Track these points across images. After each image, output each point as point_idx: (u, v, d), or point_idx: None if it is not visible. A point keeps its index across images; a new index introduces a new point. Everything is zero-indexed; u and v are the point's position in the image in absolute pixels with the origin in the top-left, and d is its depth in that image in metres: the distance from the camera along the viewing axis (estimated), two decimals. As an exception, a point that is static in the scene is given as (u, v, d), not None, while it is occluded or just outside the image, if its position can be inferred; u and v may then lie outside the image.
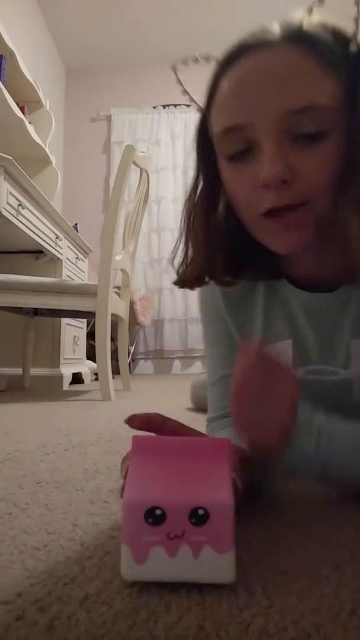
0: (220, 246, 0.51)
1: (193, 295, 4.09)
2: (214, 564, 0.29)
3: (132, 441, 0.35)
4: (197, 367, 4.15)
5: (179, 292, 4.13)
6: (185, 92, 0.58)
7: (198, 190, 0.53)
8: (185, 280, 0.55)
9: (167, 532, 0.29)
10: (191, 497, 0.30)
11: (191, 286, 0.55)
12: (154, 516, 0.29)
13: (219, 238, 0.51)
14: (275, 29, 0.44)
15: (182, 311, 4.12)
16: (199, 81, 0.57)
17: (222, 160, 0.47)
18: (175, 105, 4.34)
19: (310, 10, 0.46)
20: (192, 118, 4.31)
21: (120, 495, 0.35)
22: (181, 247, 0.54)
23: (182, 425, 0.42)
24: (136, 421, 0.37)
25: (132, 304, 3.30)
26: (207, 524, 0.29)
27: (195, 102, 0.52)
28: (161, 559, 0.29)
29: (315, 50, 0.42)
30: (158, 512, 0.29)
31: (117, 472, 0.62)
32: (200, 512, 0.29)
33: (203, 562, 0.29)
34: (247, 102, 0.42)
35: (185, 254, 0.54)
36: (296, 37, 0.43)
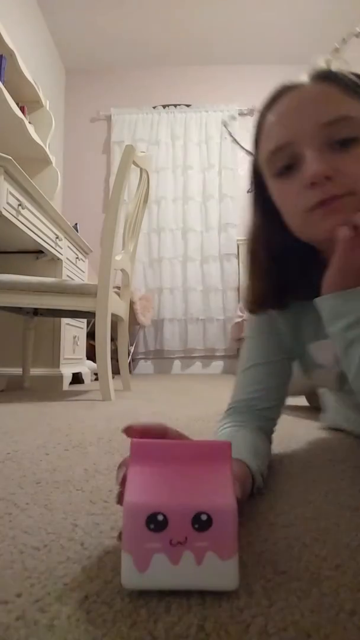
0: (270, 277, 0.60)
1: (193, 296, 4.10)
2: (218, 570, 0.29)
3: (131, 445, 0.34)
4: (197, 367, 4.16)
5: (179, 292, 4.13)
6: (235, 141, 0.69)
7: (254, 225, 0.62)
8: (249, 307, 0.64)
9: (170, 539, 0.28)
10: (194, 502, 0.29)
11: (253, 312, 0.64)
12: (155, 522, 0.29)
13: (270, 269, 0.60)
14: (304, 74, 0.53)
15: (182, 311, 4.12)
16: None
17: (270, 181, 0.54)
18: (175, 105, 4.34)
19: (329, 59, 0.54)
20: (191, 118, 4.32)
21: (117, 502, 0.34)
22: (246, 277, 0.64)
23: (184, 436, 0.42)
24: (134, 432, 0.36)
25: (132, 304, 3.30)
26: (210, 530, 0.29)
27: (245, 149, 0.60)
28: (163, 566, 0.28)
29: (339, 83, 0.50)
30: (160, 518, 0.29)
31: (117, 472, 0.62)
32: (203, 517, 0.29)
33: (206, 569, 0.28)
34: (289, 125, 0.50)
35: (248, 284, 0.63)
36: (322, 76, 0.52)
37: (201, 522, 0.29)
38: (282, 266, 0.59)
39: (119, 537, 0.30)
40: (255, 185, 0.59)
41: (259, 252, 0.60)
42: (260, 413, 0.62)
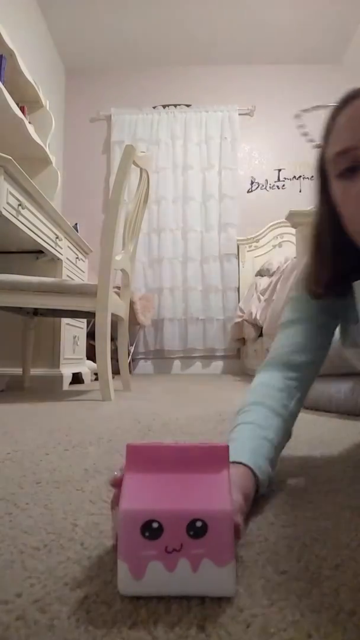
0: (335, 265, 0.61)
1: (193, 296, 4.10)
2: (214, 577, 0.28)
3: (127, 450, 0.33)
4: (197, 367, 4.16)
5: (179, 292, 4.13)
6: (306, 133, 0.72)
7: (319, 214, 0.63)
8: (312, 292, 0.63)
9: (165, 546, 0.28)
10: (188, 508, 0.29)
11: (317, 297, 0.63)
12: (150, 530, 0.28)
13: (335, 258, 0.61)
14: None
15: (182, 311, 4.12)
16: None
17: (333, 181, 0.56)
18: (175, 105, 4.34)
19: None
20: (191, 118, 4.32)
21: (112, 508, 0.34)
22: (309, 264, 0.64)
23: None
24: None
25: (132, 304, 3.30)
26: (205, 537, 0.28)
27: (316, 143, 0.62)
28: (159, 573, 0.28)
29: None
30: (155, 525, 0.28)
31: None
32: (198, 524, 0.28)
33: (202, 576, 0.28)
34: (356, 130, 0.52)
35: (311, 269, 0.63)
36: None
37: (196, 529, 0.28)
38: (345, 255, 0.61)
39: (114, 546, 0.30)
40: (321, 178, 0.61)
41: (324, 240, 0.61)
42: (297, 368, 0.62)
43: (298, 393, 0.61)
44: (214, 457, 0.33)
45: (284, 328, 0.67)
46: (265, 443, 0.51)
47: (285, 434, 0.57)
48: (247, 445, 0.49)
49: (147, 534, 0.28)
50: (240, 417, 0.57)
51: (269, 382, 0.60)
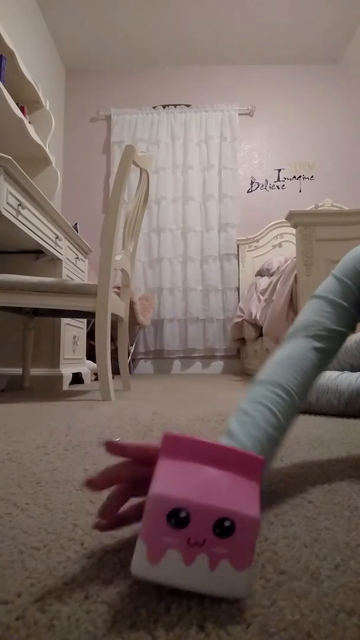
0: None
1: (193, 296, 4.10)
2: (230, 579, 0.28)
3: (162, 438, 0.33)
4: (197, 367, 4.16)
5: (178, 292, 4.13)
6: None
7: None
8: None
9: (188, 538, 0.28)
10: (220, 505, 0.28)
11: None
12: (177, 518, 0.28)
13: None
14: None
15: (182, 311, 4.12)
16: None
17: None
18: (175, 105, 4.34)
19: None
20: (191, 118, 4.32)
21: (86, 485, 0.35)
22: None
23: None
24: (115, 448, 0.35)
25: (132, 304, 3.30)
26: (231, 538, 0.28)
27: None
28: (175, 563, 0.28)
29: None
30: (183, 514, 0.28)
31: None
32: (227, 523, 0.28)
33: (218, 576, 0.28)
34: None
35: None
36: None
37: (223, 528, 0.28)
38: None
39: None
40: None
41: None
42: (326, 335, 0.59)
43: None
44: (247, 465, 0.32)
45: (313, 298, 0.64)
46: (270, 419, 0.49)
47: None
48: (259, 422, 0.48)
49: (172, 521, 0.28)
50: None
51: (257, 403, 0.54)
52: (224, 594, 0.28)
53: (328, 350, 0.59)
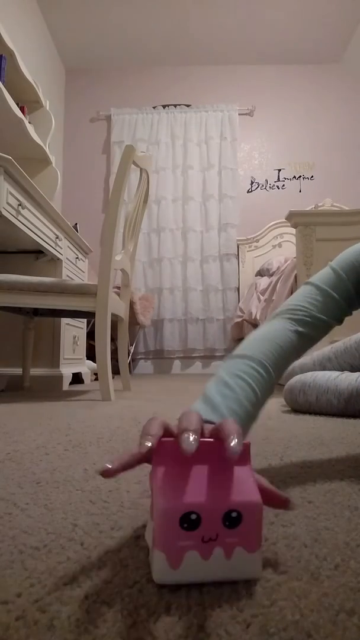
0: None
1: (193, 296, 4.10)
2: (245, 562, 0.30)
3: (156, 446, 0.34)
4: (197, 367, 4.16)
5: (178, 292, 4.13)
6: None
7: None
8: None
9: (202, 536, 0.30)
10: (225, 500, 0.30)
11: None
12: (189, 521, 0.30)
13: None
14: None
15: (182, 311, 4.13)
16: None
17: None
18: (175, 105, 4.34)
19: None
20: (191, 118, 4.32)
21: (101, 473, 0.32)
22: None
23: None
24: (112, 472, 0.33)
25: (132, 304, 3.30)
26: (240, 526, 0.30)
27: None
28: (195, 562, 0.29)
29: None
30: (193, 517, 0.30)
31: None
32: (234, 514, 0.30)
33: (234, 562, 0.30)
34: None
35: None
36: None
37: (231, 519, 0.30)
38: None
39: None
40: None
41: None
42: (309, 322, 0.59)
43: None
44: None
45: (305, 284, 0.64)
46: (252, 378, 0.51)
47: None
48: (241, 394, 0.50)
49: (185, 525, 0.30)
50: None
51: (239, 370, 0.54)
52: (242, 576, 0.30)
53: (309, 337, 0.60)
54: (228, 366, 0.53)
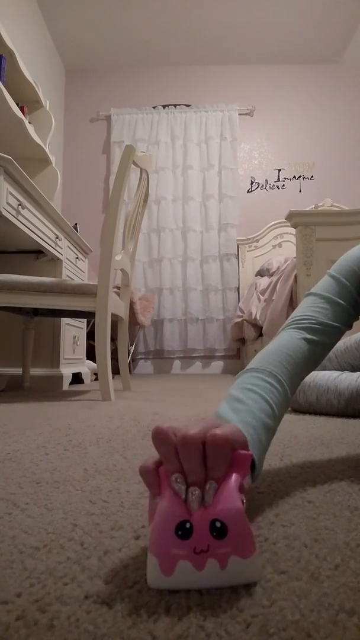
0: None
1: (193, 296, 4.10)
2: (242, 569, 0.30)
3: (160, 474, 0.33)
4: (197, 367, 4.16)
5: (178, 292, 4.13)
6: None
7: None
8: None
9: (194, 547, 0.30)
10: (207, 511, 0.30)
11: None
12: (184, 529, 0.30)
13: None
14: None
15: (182, 311, 4.13)
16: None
17: None
18: (175, 105, 4.34)
19: None
20: (191, 118, 4.32)
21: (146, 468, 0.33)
22: None
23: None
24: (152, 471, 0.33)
25: (132, 304, 3.30)
26: (228, 536, 0.30)
27: None
28: (188, 572, 0.29)
29: None
30: (187, 525, 0.30)
31: (117, 472, 0.62)
32: (218, 524, 0.30)
33: (231, 571, 0.30)
34: None
35: None
36: None
37: (217, 530, 0.30)
38: None
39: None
40: None
41: None
42: (318, 328, 0.59)
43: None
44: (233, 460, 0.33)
45: (309, 295, 0.63)
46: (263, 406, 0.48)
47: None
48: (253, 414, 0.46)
49: (179, 532, 0.30)
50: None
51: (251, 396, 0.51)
52: (240, 582, 0.30)
53: (321, 344, 0.58)
54: (237, 383, 0.51)
